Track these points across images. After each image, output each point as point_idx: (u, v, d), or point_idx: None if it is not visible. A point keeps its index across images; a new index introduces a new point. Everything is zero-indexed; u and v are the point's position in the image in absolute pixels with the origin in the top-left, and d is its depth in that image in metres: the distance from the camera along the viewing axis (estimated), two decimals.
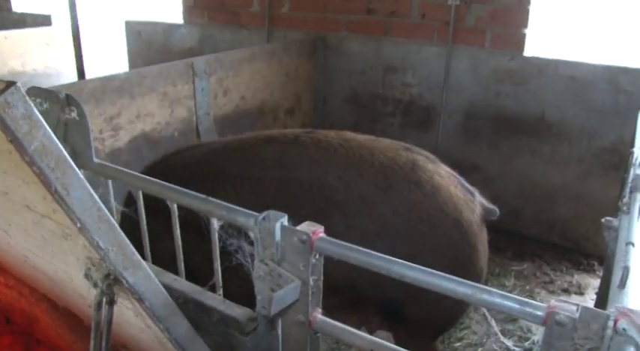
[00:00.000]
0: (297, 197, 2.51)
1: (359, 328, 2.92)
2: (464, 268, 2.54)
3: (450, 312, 2.63)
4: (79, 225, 1.02)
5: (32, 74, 6.79)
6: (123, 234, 1.09)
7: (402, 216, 2.47)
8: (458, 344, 3.42)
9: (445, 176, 2.62)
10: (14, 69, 6.74)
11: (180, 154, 2.85)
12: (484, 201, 2.73)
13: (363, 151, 2.59)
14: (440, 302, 2.38)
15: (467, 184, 2.71)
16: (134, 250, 1.12)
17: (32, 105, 0.93)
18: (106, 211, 1.06)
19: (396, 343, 2.78)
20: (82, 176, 1.01)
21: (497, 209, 2.75)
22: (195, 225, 1.96)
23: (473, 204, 2.63)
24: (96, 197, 1.04)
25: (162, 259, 2.00)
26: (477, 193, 2.71)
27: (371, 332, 2.94)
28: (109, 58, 7.66)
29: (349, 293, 2.59)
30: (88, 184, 1.02)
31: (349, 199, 2.49)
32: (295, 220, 2.47)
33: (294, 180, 2.54)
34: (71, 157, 2.02)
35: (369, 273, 2.39)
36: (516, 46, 4.45)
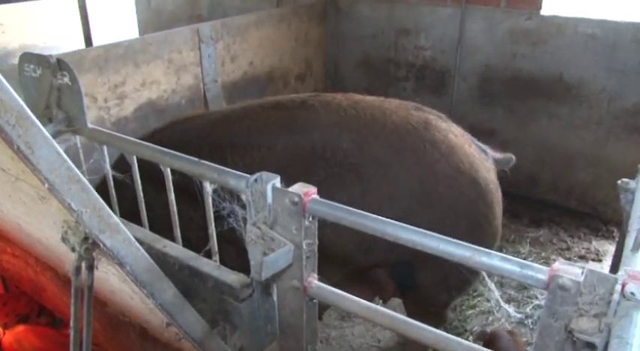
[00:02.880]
0: (310, 163, 2.41)
1: (372, 299, 2.89)
2: (480, 229, 2.48)
3: (461, 279, 2.58)
4: (46, 185, 0.96)
5: (43, 47, 6.77)
6: (97, 195, 1.04)
7: (418, 177, 2.40)
8: (470, 312, 3.36)
9: (459, 135, 2.55)
10: (24, 42, 6.73)
11: (176, 127, 2.68)
12: (497, 154, 2.66)
13: (374, 111, 2.50)
14: (452, 267, 2.32)
15: (479, 143, 2.63)
16: (111, 212, 1.07)
17: None
18: (77, 171, 1.00)
19: (407, 311, 2.73)
20: (47, 134, 0.95)
21: (512, 156, 2.68)
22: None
23: (488, 163, 2.56)
24: (64, 156, 0.98)
25: (190, 238, 1.95)
26: (489, 150, 2.63)
27: (385, 302, 2.91)
28: (119, 28, 7.59)
29: (365, 259, 2.53)
30: (55, 143, 0.96)
31: (364, 161, 2.41)
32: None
33: (307, 145, 2.44)
34: (66, 122, 1.99)
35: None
36: (533, 4, 4.26)
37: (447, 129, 2.51)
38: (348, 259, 2.51)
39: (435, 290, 2.63)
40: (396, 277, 2.68)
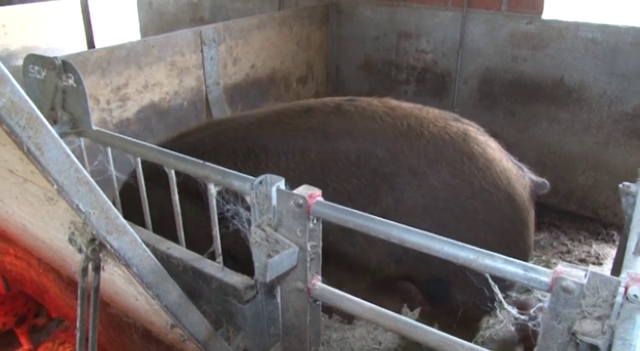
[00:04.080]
0: (344, 170, 2.38)
1: (400, 307, 2.82)
2: (515, 245, 2.43)
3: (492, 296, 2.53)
4: (55, 187, 0.97)
5: (45, 48, 6.77)
6: (105, 197, 1.05)
7: (454, 189, 2.34)
8: None
9: (497, 149, 2.50)
10: (27, 43, 6.73)
11: (207, 131, 2.65)
12: (533, 176, 2.61)
13: (411, 120, 2.44)
14: (483, 284, 2.26)
15: (514, 159, 2.58)
16: (118, 213, 1.08)
17: None
18: (86, 172, 1.01)
19: (439, 324, 2.66)
20: (56, 135, 0.95)
21: (547, 182, 2.61)
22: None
23: (524, 180, 2.51)
24: (73, 158, 0.99)
25: (198, 239, 1.94)
26: (525, 168, 2.59)
27: (411, 310, 2.86)
28: (121, 29, 7.61)
29: (395, 269, 2.51)
30: (64, 144, 0.97)
31: (398, 171, 2.35)
32: (341, 195, 2.35)
33: (341, 152, 2.40)
34: (71, 124, 2.00)
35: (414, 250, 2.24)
36: (535, 8, 4.27)
37: (485, 142, 2.46)
38: (379, 268, 2.49)
39: (466, 305, 2.55)
40: (428, 291, 2.64)
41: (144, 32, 6.90)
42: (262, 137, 2.50)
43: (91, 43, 5.38)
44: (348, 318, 2.98)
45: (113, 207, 1.07)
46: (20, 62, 2.06)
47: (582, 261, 4.05)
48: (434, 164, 2.36)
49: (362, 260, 2.44)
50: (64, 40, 6.90)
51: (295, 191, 1.36)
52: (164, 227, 1.91)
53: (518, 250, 2.43)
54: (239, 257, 1.85)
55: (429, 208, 2.34)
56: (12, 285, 3.05)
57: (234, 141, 2.52)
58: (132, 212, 1.99)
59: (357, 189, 2.37)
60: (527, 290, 3.43)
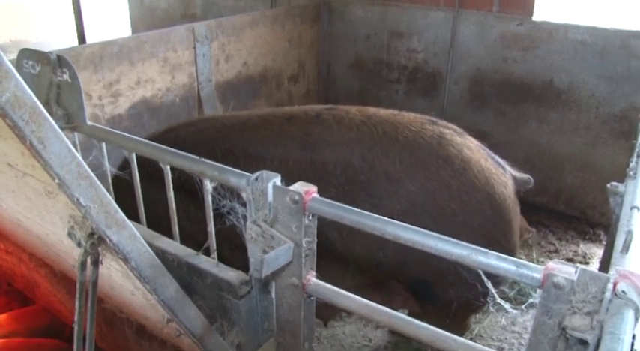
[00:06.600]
0: (322, 179, 2.42)
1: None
2: (499, 245, 2.44)
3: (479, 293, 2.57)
4: (57, 181, 0.98)
5: (35, 43, 6.74)
6: (105, 191, 1.06)
7: (430, 193, 2.37)
8: None
9: (475, 149, 2.52)
10: (17, 38, 6.69)
11: (191, 128, 2.69)
12: (515, 173, 2.63)
13: (386, 126, 2.48)
14: (470, 283, 2.30)
15: (497, 157, 2.60)
16: (118, 208, 1.09)
17: (1, 53, 0.88)
18: (87, 167, 1.02)
19: (428, 323, 2.74)
20: (59, 130, 0.96)
21: (531, 178, 2.65)
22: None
23: (505, 178, 2.53)
24: (75, 152, 1.00)
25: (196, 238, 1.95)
26: (507, 166, 2.61)
27: (395, 310, 2.90)
28: (112, 25, 7.57)
29: (376, 272, 2.54)
30: (66, 139, 0.98)
31: (374, 178, 2.40)
32: None
33: (318, 161, 2.45)
34: (65, 119, 2.00)
35: (395, 252, 2.28)
36: (525, 10, 4.32)
37: (462, 143, 2.48)
38: (357, 272, 2.51)
39: (454, 304, 2.58)
40: (413, 290, 2.66)
41: (135, 28, 6.87)
42: (243, 140, 2.55)
43: (82, 38, 5.34)
44: (325, 319, 3.00)
45: (113, 201, 1.08)
46: (9, 56, 2.05)
47: (569, 260, 4.10)
48: (409, 169, 2.39)
49: (339, 264, 2.46)
50: (53, 35, 6.87)
51: (291, 188, 1.38)
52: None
53: (501, 250, 2.45)
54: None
55: (407, 214, 2.37)
56: (2, 280, 3.03)
57: (214, 141, 2.56)
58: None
59: (334, 198, 2.39)
60: (517, 284, 3.46)
